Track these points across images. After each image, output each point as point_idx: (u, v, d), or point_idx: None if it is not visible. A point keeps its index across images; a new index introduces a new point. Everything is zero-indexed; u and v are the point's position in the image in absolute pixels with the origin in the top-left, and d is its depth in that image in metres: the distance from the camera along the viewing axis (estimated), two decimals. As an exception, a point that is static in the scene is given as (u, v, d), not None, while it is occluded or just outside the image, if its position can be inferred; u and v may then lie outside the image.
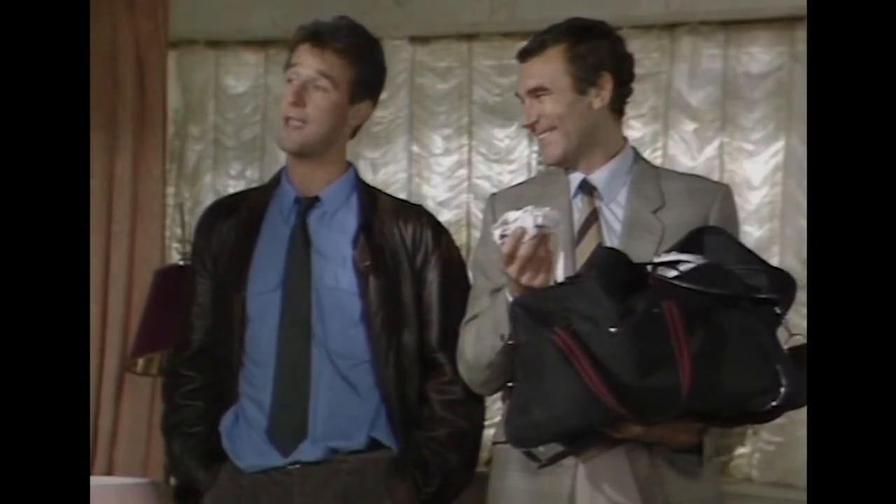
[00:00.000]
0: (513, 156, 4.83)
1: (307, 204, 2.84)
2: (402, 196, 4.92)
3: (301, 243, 2.81)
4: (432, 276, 2.82)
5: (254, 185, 4.78)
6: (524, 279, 2.35)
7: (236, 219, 2.89)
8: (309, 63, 2.78)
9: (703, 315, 2.28)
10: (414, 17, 4.80)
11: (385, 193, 3.00)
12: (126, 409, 4.44)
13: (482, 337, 2.53)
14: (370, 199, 2.88)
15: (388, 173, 4.94)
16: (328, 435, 2.72)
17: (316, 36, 2.80)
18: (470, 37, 4.81)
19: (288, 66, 2.84)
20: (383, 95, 5.07)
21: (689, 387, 2.23)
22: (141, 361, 4.34)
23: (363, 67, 2.82)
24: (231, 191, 4.93)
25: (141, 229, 4.52)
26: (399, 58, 4.89)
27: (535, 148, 4.71)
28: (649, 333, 2.25)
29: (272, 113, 4.97)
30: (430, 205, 4.92)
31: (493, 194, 2.84)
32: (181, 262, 4.50)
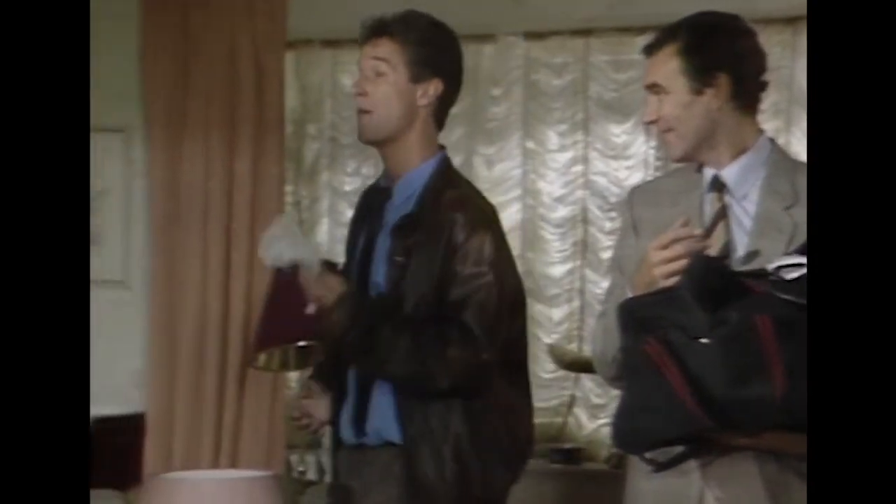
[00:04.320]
0: (630, 152, 4.79)
1: (385, 196, 2.92)
2: (517, 192, 4.95)
3: (374, 237, 2.92)
4: (457, 269, 2.82)
5: (369, 181, 4.84)
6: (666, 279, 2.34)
7: (356, 213, 3.03)
8: (366, 54, 2.89)
9: (796, 326, 2.24)
10: (530, 14, 4.79)
11: (460, 188, 2.96)
12: (249, 404, 4.53)
13: (608, 333, 2.53)
14: (438, 190, 2.89)
15: (503, 169, 4.94)
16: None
17: (371, 31, 2.90)
18: (586, 32, 4.78)
19: (358, 61, 2.96)
20: (496, 91, 5.15)
21: (782, 399, 2.20)
22: (262, 357, 4.39)
23: (419, 47, 2.87)
24: (347, 188, 4.98)
25: (260, 227, 4.60)
26: (513, 54, 4.89)
27: (653, 144, 4.67)
28: (741, 345, 2.21)
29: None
30: (545, 200, 4.92)
31: (632, 189, 2.82)
32: (299, 260, 4.56)
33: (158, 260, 4.80)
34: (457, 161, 4.98)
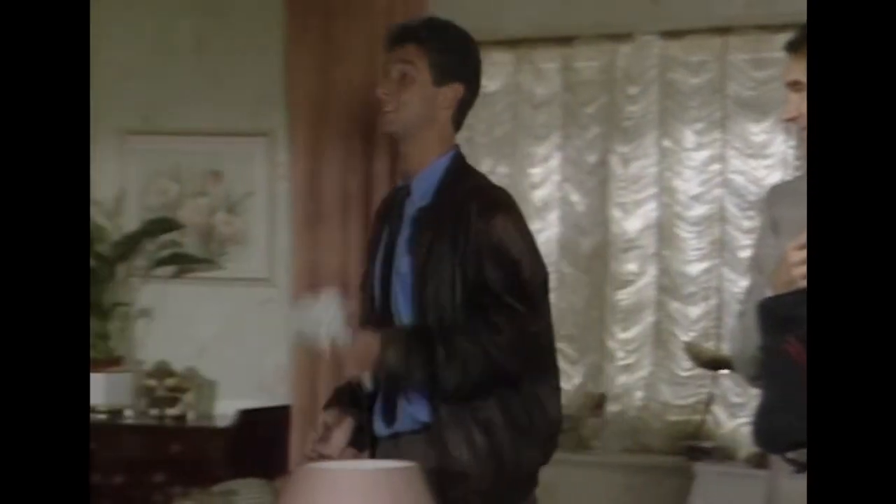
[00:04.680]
0: (769, 150, 4.74)
1: (404, 193, 3.05)
2: (652, 190, 4.95)
3: (396, 230, 3.03)
4: (482, 254, 2.88)
5: (504, 180, 4.90)
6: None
7: (383, 208, 3.15)
8: (393, 58, 3.01)
9: None
10: (666, 13, 4.78)
11: (473, 179, 3.04)
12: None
13: (747, 332, 2.53)
14: (453, 182, 2.98)
15: (638, 167, 4.94)
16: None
17: (398, 36, 3.02)
18: (724, 30, 4.75)
19: (383, 64, 3.07)
20: (633, 90, 5.13)
21: None
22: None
23: (442, 53, 2.99)
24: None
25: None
26: (650, 53, 4.88)
27: (792, 142, 4.62)
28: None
29: (523, 111, 5.05)
30: (681, 199, 4.90)
31: (772, 188, 2.81)
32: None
33: (301, 258, 4.93)
34: (592, 160, 5.05)
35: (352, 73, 4.80)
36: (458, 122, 3.05)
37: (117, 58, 5.09)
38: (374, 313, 3.04)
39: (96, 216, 4.93)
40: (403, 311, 2.96)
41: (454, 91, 3.00)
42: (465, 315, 2.88)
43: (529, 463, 2.93)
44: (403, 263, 2.97)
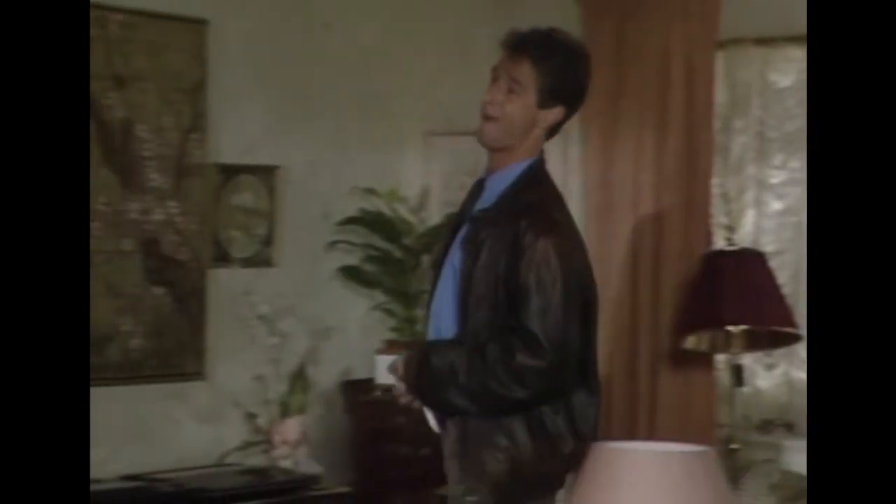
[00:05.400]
0: None
1: (479, 189, 3.15)
2: None
3: (459, 225, 3.14)
4: (522, 270, 2.95)
5: (796, 174, 4.93)
6: None
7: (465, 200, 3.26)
8: (505, 68, 3.07)
9: None
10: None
11: (539, 191, 3.10)
12: (678, 381, 4.75)
13: None
14: (519, 190, 3.05)
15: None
16: None
17: (516, 45, 3.09)
18: None
19: (494, 67, 3.13)
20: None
21: None
22: (691, 338, 4.63)
23: (551, 76, 3.05)
24: (773, 181, 5.09)
25: (689, 218, 4.83)
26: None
27: None
28: None
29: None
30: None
31: None
32: (726, 247, 4.75)
33: (592, 247, 5.12)
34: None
35: (645, 69, 4.94)
36: (550, 135, 3.15)
37: (424, 66, 5.42)
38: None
39: (403, 212, 5.25)
40: (445, 305, 3.09)
41: (554, 114, 3.10)
42: (497, 330, 2.97)
43: (551, 474, 3.00)
44: (456, 258, 3.09)
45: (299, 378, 4.74)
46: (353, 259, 5.09)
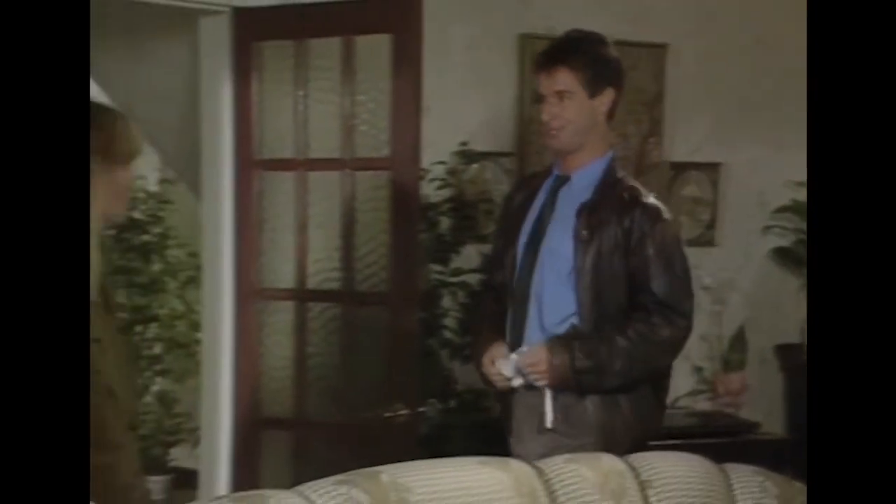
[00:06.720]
0: None
1: (561, 181, 3.34)
2: None
3: (547, 212, 3.31)
4: (647, 252, 3.18)
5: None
6: None
7: (523, 193, 3.48)
8: (547, 83, 3.26)
9: None
10: None
11: (628, 184, 3.29)
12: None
13: None
14: (611, 184, 3.28)
15: None
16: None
17: (548, 60, 3.27)
18: None
19: (537, 92, 3.33)
20: None
21: None
22: None
23: (589, 67, 3.23)
24: None
25: None
26: None
27: None
28: None
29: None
30: None
31: None
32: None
33: None
34: None
35: None
36: (611, 117, 3.32)
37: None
38: (506, 287, 3.33)
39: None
40: (548, 289, 3.22)
41: (608, 97, 3.27)
42: (626, 314, 3.18)
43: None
44: (563, 246, 3.22)
45: (738, 340, 5.37)
46: (785, 241, 5.59)
